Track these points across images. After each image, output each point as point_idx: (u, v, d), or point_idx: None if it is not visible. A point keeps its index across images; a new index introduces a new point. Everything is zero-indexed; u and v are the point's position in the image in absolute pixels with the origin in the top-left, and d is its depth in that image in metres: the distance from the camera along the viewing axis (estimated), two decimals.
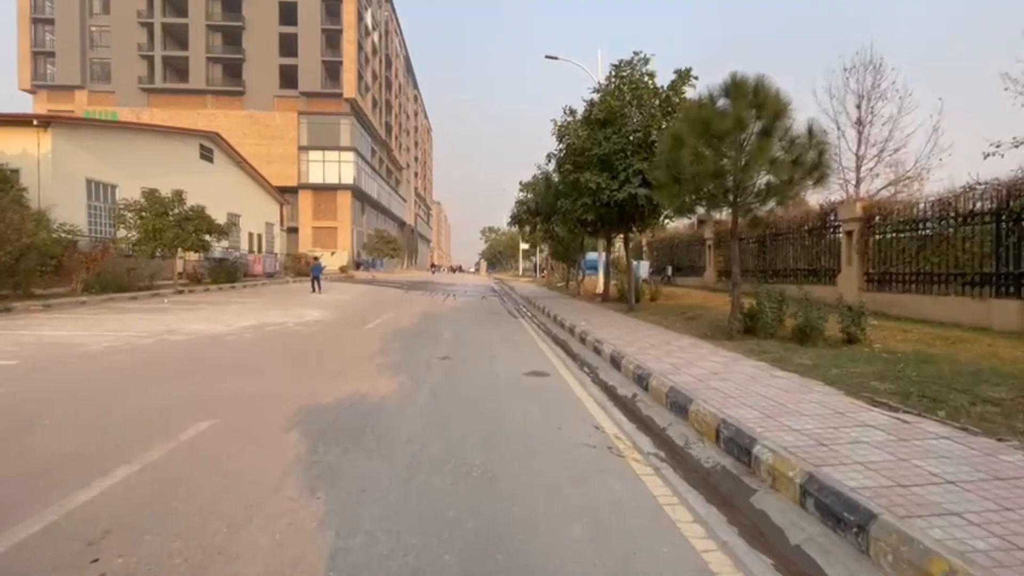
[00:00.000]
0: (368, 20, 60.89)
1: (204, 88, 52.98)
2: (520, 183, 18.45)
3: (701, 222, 8.74)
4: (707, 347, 7.09)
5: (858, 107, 16.62)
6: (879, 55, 17.28)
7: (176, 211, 17.12)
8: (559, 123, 11.53)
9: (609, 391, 5.63)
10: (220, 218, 29.42)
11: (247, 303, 14.64)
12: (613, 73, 10.86)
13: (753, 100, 7.16)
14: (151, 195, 17.19)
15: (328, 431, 3.91)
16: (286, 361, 6.71)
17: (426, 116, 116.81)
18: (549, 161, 12.23)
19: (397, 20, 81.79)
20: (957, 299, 8.61)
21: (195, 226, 17.44)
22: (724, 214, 8.26)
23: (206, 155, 27.72)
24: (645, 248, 24.16)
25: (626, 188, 10.18)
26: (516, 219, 18.52)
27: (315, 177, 54.05)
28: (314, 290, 19.48)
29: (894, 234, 10.00)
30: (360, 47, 56.39)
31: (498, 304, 16.96)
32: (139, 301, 14.30)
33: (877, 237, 10.49)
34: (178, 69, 53.75)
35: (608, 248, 15.35)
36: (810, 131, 7.46)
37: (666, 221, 11.68)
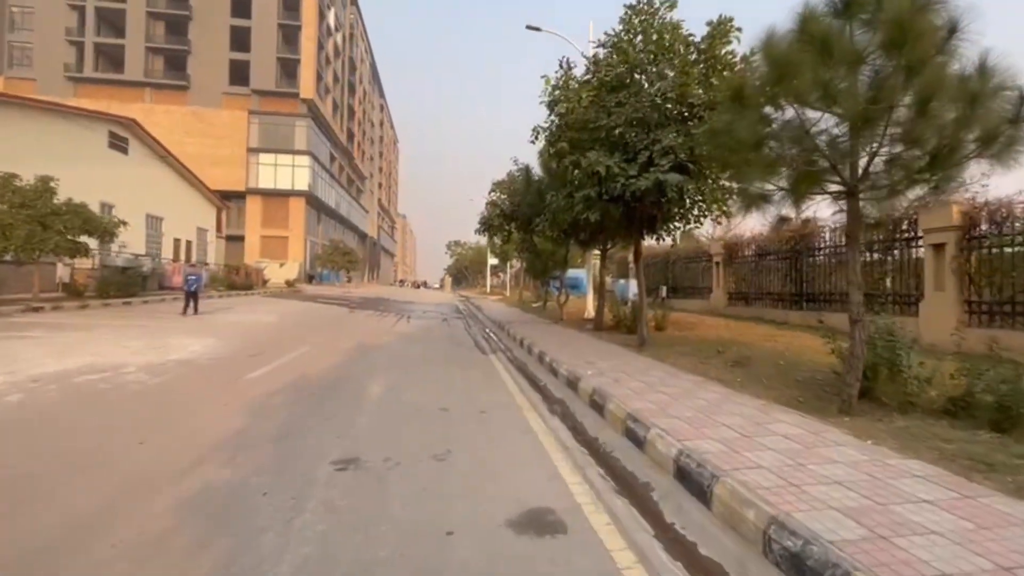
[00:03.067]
0: (331, 19, 57.30)
1: (142, 80, 47.94)
2: (493, 183, 15.16)
3: (782, 220, 5.75)
4: (851, 442, 3.83)
5: None
6: None
7: (37, 203, 12.92)
8: (551, 82, 8.31)
9: None
10: (134, 220, 24.97)
11: (111, 327, 10.66)
12: (628, 17, 7.77)
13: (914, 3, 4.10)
14: (5, 181, 12.98)
15: None
16: None
17: (392, 127, 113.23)
18: (536, 138, 9.02)
19: (364, 26, 78.49)
20: None
21: (64, 223, 13.25)
22: (827, 206, 5.14)
23: (118, 144, 23.34)
24: (632, 265, 21.20)
25: (651, 174, 7.01)
26: (486, 225, 15.11)
27: (266, 181, 49.43)
28: (185, 312, 13.50)
29: (1019, 248, 7.16)
30: (321, 46, 52.64)
31: (462, 330, 13.47)
32: None
33: (986, 252, 7.66)
34: (113, 58, 48.55)
35: (603, 262, 12.19)
36: (982, 68, 4.46)
37: (692, 226, 8.58)
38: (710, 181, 7.42)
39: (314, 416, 4.79)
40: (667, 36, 7.52)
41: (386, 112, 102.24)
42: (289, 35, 50.16)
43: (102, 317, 12.70)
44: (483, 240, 24.68)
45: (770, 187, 5.29)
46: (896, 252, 9.43)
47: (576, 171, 7.98)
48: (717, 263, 14.84)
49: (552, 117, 8.54)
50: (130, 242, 24.45)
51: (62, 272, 18.17)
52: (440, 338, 11.54)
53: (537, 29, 14.07)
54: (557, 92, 8.21)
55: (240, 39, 48.71)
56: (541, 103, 8.51)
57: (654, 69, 7.75)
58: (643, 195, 7.32)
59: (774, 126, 4.73)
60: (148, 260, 21.33)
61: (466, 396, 5.90)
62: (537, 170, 12.63)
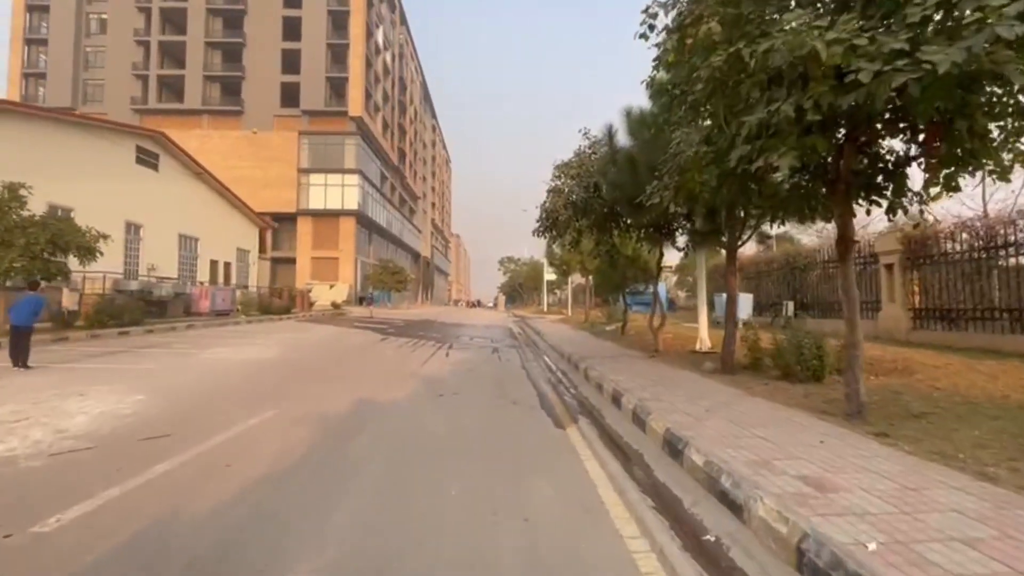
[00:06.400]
0: (379, 38, 56.66)
1: (199, 108, 48.69)
2: (555, 166, 11.19)
3: None
4: None
5: None
6: None
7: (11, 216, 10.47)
8: None
9: None
10: (165, 240, 23.28)
11: (34, 374, 7.69)
12: None
13: None
14: None
15: None
16: None
17: (444, 147, 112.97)
18: (650, 29, 5.00)
19: (414, 46, 78.33)
20: None
21: (32, 238, 10.74)
22: None
23: (147, 160, 21.70)
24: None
25: (953, 44, 2.94)
26: (549, 220, 11.05)
27: (316, 202, 48.47)
28: (16, 363, 8.01)
29: None
30: (369, 64, 51.77)
31: (518, 369, 9.59)
32: None
33: None
34: (174, 88, 49.82)
35: (732, 263, 8.04)
36: None
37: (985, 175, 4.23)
38: None
39: None
40: None
41: (438, 132, 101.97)
42: (338, 54, 49.63)
43: (60, 355, 9.93)
44: (538, 253, 20.79)
45: None
46: None
47: (753, 70, 4.02)
48: (888, 266, 10.12)
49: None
50: (160, 264, 22.77)
51: (68, 298, 16.08)
52: (485, 386, 7.72)
53: None
54: None
55: (291, 62, 48.65)
56: None
57: None
58: (913, 103, 3.21)
59: None
60: (168, 283, 19.16)
61: None
62: (623, 138, 8.71)
